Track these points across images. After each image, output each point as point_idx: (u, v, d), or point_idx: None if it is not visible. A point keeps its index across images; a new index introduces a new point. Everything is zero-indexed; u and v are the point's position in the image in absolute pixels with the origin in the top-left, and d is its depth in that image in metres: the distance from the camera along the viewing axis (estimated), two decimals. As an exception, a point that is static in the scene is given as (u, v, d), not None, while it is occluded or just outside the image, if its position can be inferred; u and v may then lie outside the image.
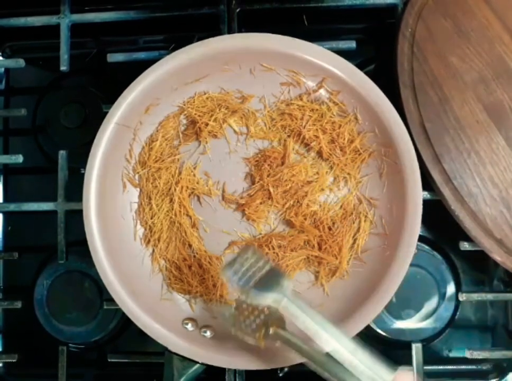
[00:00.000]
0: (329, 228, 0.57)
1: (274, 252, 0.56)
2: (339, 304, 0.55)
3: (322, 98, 0.57)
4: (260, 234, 0.58)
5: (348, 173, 0.57)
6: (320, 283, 0.57)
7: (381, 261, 0.54)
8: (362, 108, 0.55)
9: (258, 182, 0.57)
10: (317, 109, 0.57)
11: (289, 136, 0.58)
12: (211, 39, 0.55)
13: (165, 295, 0.57)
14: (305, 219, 0.57)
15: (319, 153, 0.58)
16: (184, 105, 0.58)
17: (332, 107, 0.57)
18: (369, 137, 0.56)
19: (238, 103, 0.58)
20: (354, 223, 0.57)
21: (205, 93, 0.58)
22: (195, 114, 0.58)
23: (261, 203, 0.57)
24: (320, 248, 0.56)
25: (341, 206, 0.57)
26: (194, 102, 0.58)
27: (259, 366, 0.51)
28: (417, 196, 0.52)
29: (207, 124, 0.57)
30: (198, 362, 0.53)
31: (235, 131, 0.59)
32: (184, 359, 0.53)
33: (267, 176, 0.57)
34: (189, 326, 0.54)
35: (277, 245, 0.56)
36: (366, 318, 0.52)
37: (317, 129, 0.57)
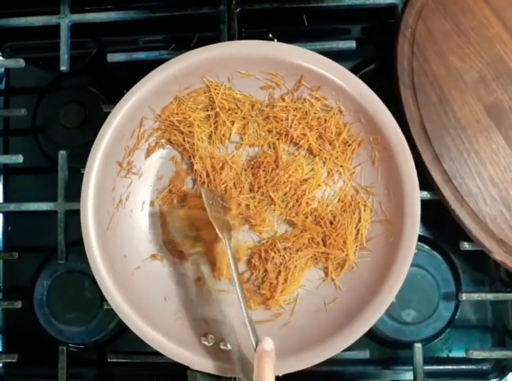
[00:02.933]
0: (331, 223, 0.57)
1: (280, 255, 0.56)
2: (353, 295, 0.55)
3: (304, 95, 0.57)
4: (263, 239, 0.58)
5: (341, 166, 0.57)
6: (330, 278, 0.57)
7: (387, 247, 0.54)
8: (344, 100, 0.55)
9: (258, 190, 0.57)
10: (300, 108, 0.57)
11: (277, 139, 0.58)
12: (185, 54, 0.55)
13: (178, 313, 0.56)
14: (306, 217, 0.57)
15: (309, 150, 0.58)
16: (211, 85, 0.57)
17: (315, 103, 0.57)
18: (355, 127, 0.56)
19: (250, 110, 0.58)
20: (354, 213, 0.57)
21: (230, 88, 0.58)
22: (219, 104, 0.57)
23: (265, 210, 0.57)
24: (325, 244, 0.57)
25: (339, 199, 0.57)
26: (219, 90, 0.57)
27: (283, 371, 0.51)
28: (412, 176, 0.52)
29: (224, 122, 0.57)
30: (222, 376, 0.53)
31: (229, 139, 0.59)
32: (208, 375, 0.53)
33: (265, 182, 0.57)
34: (208, 342, 0.54)
35: (283, 247, 0.56)
36: (382, 305, 0.52)
37: (303, 127, 0.57)
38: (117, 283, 0.54)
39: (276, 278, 0.56)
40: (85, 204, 0.54)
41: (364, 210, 0.56)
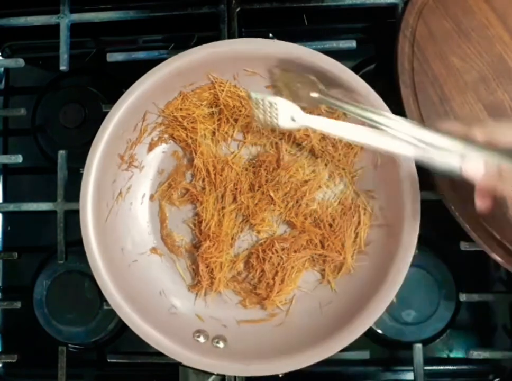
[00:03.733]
0: (330, 225, 0.57)
1: (278, 255, 0.56)
2: (349, 298, 0.55)
3: None
4: (262, 239, 0.58)
5: (343, 168, 0.57)
6: (327, 281, 0.56)
7: (386, 250, 0.54)
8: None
9: (258, 189, 0.57)
10: (304, 108, 0.57)
11: (280, 139, 0.58)
12: (190, 50, 0.55)
13: (172, 309, 0.56)
14: (305, 218, 0.57)
15: (312, 152, 0.58)
16: (216, 82, 0.57)
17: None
18: None
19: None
20: (354, 217, 0.56)
21: (235, 86, 0.58)
22: (223, 101, 0.57)
23: (265, 210, 0.57)
24: (323, 246, 0.56)
25: (339, 202, 0.57)
26: (224, 87, 0.57)
27: (275, 371, 0.51)
28: (413, 182, 0.52)
29: (227, 119, 0.57)
30: (213, 373, 0.53)
31: (232, 137, 0.59)
32: (199, 372, 0.53)
33: (266, 182, 0.57)
34: (201, 339, 0.54)
35: (281, 248, 0.56)
36: (377, 309, 0.51)
37: (306, 129, 0.57)
38: (113, 276, 0.54)
39: (273, 278, 0.56)
40: (85, 196, 0.54)
41: (364, 214, 0.56)
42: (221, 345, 0.54)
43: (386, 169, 0.55)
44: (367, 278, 0.54)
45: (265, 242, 0.57)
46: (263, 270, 0.56)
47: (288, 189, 0.57)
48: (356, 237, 0.56)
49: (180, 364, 0.53)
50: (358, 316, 0.51)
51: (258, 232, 0.58)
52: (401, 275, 0.51)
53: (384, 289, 0.51)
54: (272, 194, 0.57)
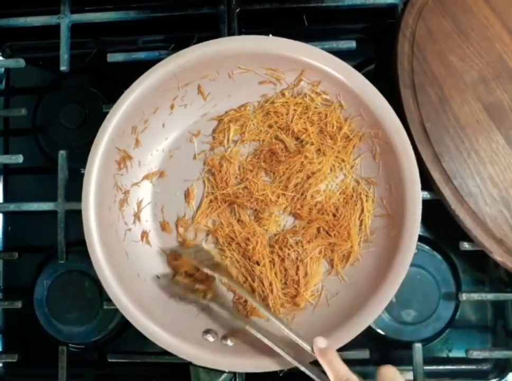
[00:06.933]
0: (334, 215, 0.57)
1: (294, 250, 0.56)
2: (356, 288, 0.55)
3: (304, 90, 0.57)
4: (273, 235, 0.58)
5: (343, 160, 0.57)
6: (336, 271, 0.56)
7: (389, 241, 0.54)
8: (345, 94, 0.55)
9: (274, 180, 0.57)
10: (300, 103, 0.57)
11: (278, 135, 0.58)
12: (184, 50, 0.55)
13: (181, 307, 0.56)
14: (310, 210, 0.57)
15: (311, 145, 0.58)
16: None
17: (316, 98, 0.57)
18: (356, 121, 0.56)
19: (242, 111, 0.59)
20: (356, 204, 0.57)
21: None
22: None
23: (275, 203, 0.57)
24: (330, 236, 0.56)
25: (341, 192, 0.57)
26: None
27: (286, 366, 0.51)
28: (413, 172, 0.52)
29: (229, 121, 0.58)
30: (224, 371, 0.53)
31: (228, 139, 0.59)
32: (210, 370, 0.52)
33: (284, 169, 0.57)
34: (210, 337, 0.54)
35: (294, 242, 0.56)
36: (383, 300, 0.52)
37: (304, 122, 0.57)
38: (118, 277, 0.54)
39: (296, 274, 0.56)
40: (87, 196, 0.54)
41: (366, 200, 0.56)
42: (230, 343, 0.53)
43: (385, 158, 0.55)
44: (373, 268, 0.55)
45: (278, 238, 0.57)
46: (285, 269, 0.56)
47: (299, 180, 0.57)
48: (361, 224, 0.56)
49: (190, 363, 0.53)
50: (364, 306, 0.52)
51: (267, 227, 0.58)
52: (406, 264, 0.52)
53: (389, 278, 0.52)
54: (282, 186, 0.57)
